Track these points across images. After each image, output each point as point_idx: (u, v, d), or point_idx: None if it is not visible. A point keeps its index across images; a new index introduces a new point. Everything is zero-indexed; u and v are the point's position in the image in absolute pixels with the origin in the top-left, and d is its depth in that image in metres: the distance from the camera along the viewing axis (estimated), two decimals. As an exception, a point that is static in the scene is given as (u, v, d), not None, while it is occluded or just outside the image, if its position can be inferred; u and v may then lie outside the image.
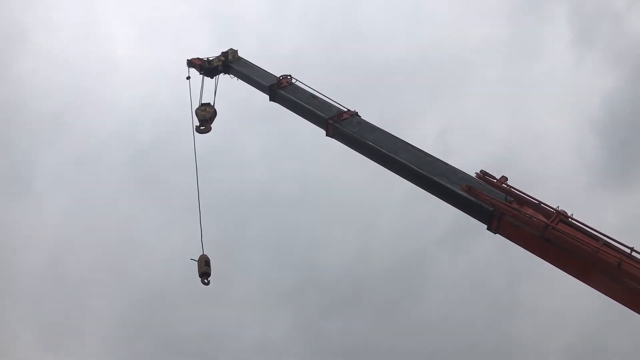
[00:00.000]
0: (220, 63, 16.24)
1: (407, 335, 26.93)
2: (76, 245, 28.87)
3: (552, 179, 26.28)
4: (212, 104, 16.12)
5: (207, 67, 16.30)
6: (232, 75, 16.26)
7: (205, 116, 15.90)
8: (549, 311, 25.02)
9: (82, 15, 32.28)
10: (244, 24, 30.98)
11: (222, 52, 16.36)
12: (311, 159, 29.05)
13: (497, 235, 10.33)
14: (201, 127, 15.97)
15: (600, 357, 24.09)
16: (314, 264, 29.34)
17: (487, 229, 10.39)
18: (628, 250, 9.26)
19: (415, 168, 11.13)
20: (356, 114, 12.92)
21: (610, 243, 9.46)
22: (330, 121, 12.74)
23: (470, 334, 26.08)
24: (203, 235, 14.57)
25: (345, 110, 13.08)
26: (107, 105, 29.95)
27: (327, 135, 12.98)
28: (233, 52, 16.34)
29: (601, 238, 9.50)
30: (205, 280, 13.68)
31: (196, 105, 16.03)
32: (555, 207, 9.98)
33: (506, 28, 32.23)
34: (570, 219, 9.86)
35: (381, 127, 12.24)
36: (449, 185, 10.66)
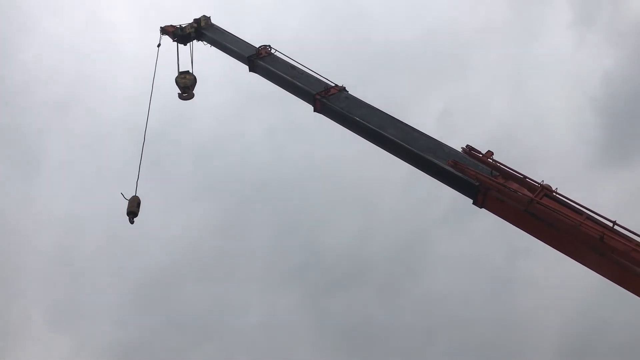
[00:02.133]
0: (193, 30, 16.12)
1: (408, 312, 27.19)
2: (84, 227, 29.19)
3: (553, 158, 26.21)
4: (190, 71, 16.06)
5: (179, 34, 16.16)
6: (205, 42, 16.14)
7: (186, 83, 15.88)
8: (547, 287, 25.10)
9: (86, 1, 32.18)
10: (247, 8, 30.82)
11: (195, 19, 16.24)
12: (313, 140, 29.10)
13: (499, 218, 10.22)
14: (184, 95, 15.99)
15: (598, 331, 24.21)
16: (318, 244, 29.53)
17: (473, 203, 10.37)
18: (610, 224, 9.25)
19: (402, 143, 11.08)
20: (344, 89, 12.78)
21: (594, 217, 9.41)
22: (318, 97, 12.60)
23: (470, 309, 26.25)
24: (139, 178, 14.65)
25: (333, 85, 12.94)
26: (112, 91, 30.04)
27: (314, 110, 12.87)
28: (206, 18, 16.22)
29: (584, 212, 9.45)
30: (132, 220, 13.93)
31: (172, 73, 16.02)
32: (539, 182, 9.93)
33: (507, 9, 32.03)
34: (554, 193, 9.78)
35: (370, 103, 12.14)
36: (435, 160, 10.63)
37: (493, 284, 26.75)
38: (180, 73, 16.01)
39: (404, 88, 29.64)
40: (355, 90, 12.83)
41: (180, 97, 16.05)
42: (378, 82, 28.46)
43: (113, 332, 27.61)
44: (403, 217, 28.74)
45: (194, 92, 16.08)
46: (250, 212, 30.41)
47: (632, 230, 9.16)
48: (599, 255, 9.25)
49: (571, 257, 9.74)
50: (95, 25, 31.58)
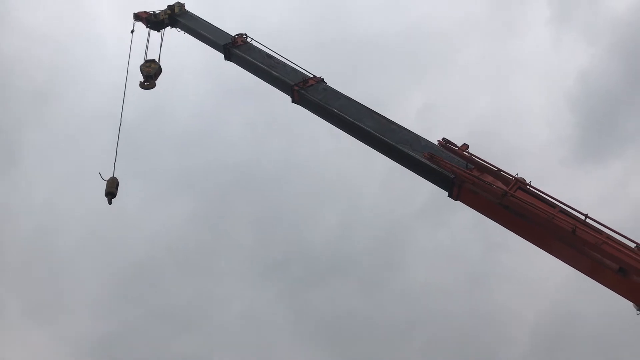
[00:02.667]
0: (167, 16, 15.97)
1: (388, 305, 27.25)
2: (64, 220, 28.91)
3: (530, 153, 26.44)
4: (157, 60, 15.88)
5: (153, 21, 16.00)
6: (179, 29, 16.00)
7: (150, 72, 15.68)
8: (522, 280, 25.39)
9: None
10: (228, 1, 30.59)
11: (169, 5, 16.10)
12: (294, 134, 29.10)
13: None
14: (145, 83, 15.77)
15: (572, 322, 24.55)
16: (299, 238, 29.53)
17: (449, 195, 10.40)
18: (582, 217, 9.32)
19: (379, 135, 11.07)
20: (322, 80, 12.74)
21: (566, 210, 9.50)
22: (296, 87, 12.54)
23: (448, 301, 26.43)
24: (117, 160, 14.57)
25: (311, 76, 12.89)
26: (91, 82, 29.65)
27: (292, 101, 12.79)
28: (180, 5, 16.11)
29: (557, 205, 9.53)
30: (110, 200, 14.03)
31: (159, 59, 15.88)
32: (514, 175, 10.00)
33: (487, 7, 32.19)
34: (528, 186, 9.85)
35: (346, 94, 12.11)
36: (411, 153, 10.64)
37: (471, 277, 27.04)
38: (146, 61, 15.81)
39: (385, 83, 29.71)
40: (336, 85, 12.77)
41: (142, 85, 15.81)
42: (359, 76, 28.51)
43: (93, 324, 27.45)
44: (383, 211, 28.88)
45: (156, 82, 15.82)
46: (231, 205, 30.34)
47: (603, 223, 9.30)
48: (570, 248, 9.32)
49: (544, 250, 9.82)
50: (73, 15, 31.20)
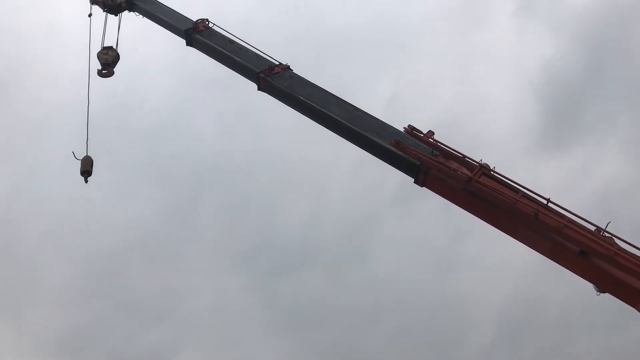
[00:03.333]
0: (124, 0, 15.63)
1: (357, 293, 27.38)
2: (28, 213, 28.30)
3: (495, 142, 26.76)
4: (115, 47, 15.55)
5: (110, 4, 15.64)
6: (137, 13, 15.70)
7: (108, 60, 15.32)
8: (488, 266, 25.78)
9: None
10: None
11: None
12: (262, 125, 28.90)
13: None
14: (103, 71, 15.41)
15: (537, 306, 25.02)
16: (268, 228, 29.45)
17: (415, 182, 10.45)
18: (545, 202, 9.45)
19: (346, 123, 11.03)
20: (288, 67, 12.59)
21: (529, 195, 9.61)
22: (262, 75, 12.37)
23: (415, 289, 26.71)
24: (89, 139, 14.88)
25: (277, 63, 12.72)
26: (53, 75, 28.91)
27: (258, 89, 12.65)
28: None
29: (520, 190, 9.63)
30: (86, 179, 14.30)
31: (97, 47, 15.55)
32: (478, 161, 10.07)
33: (453, -1, 32.32)
34: (492, 172, 9.93)
35: (313, 82, 12.01)
36: (377, 140, 10.64)
37: (437, 265, 27.31)
38: (104, 48, 15.46)
39: (352, 74, 29.67)
40: (305, 75, 12.58)
41: (100, 73, 15.46)
42: (326, 68, 28.36)
43: (59, 318, 26.99)
44: (352, 201, 28.97)
45: (114, 69, 15.49)
46: (199, 197, 30.09)
47: (564, 207, 9.43)
48: (534, 232, 9.45)
49: (509, 234, 9.94)
50: (34, 6, 30.27)
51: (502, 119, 28.69)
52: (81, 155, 14.40)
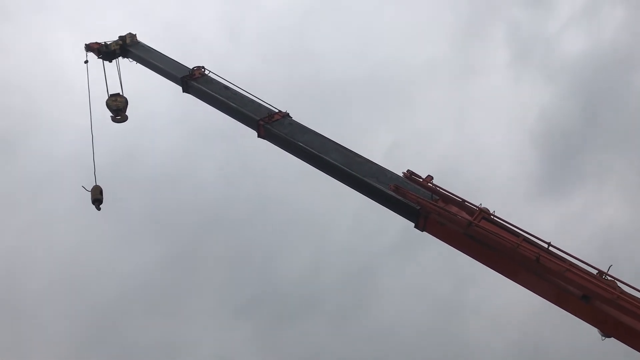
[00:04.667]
0: (118, 47, 15.87)
1: (359, 342, 26.88)
2: (31, 265, 28.09)
3: (493, 190, 26.73)
4: (121, 93, 15.75)
5: (104, 51, 15.87)
6: (131, 60, 15.93)
7: (119, 106, 15.55)
8: (491, 314, 25.36)
9: (32, 37, 31.42)
10: (199, 45, 30.78)
11: (120, 36, 16.03)
12: (265, 175, 29.02)
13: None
14: (117, 117, 15.62)
15: (541, 352, 24.46)
16: (269, 278, 29.15)
17: (415, 227, 10.38)
18: (545, 245, 9.34)
19: (345, 168, 11.04)
20: (287, 115, 12.70)
21: (530, 239, 9.52)
22: (262, 122, 12.47)
23: (417, 337, 26.21)
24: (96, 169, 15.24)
25: (277, 111, 12.86)
26: (59, 128, 29.19)
27: (258, 136, 12.72)
28: (131, 35, 16.03)
29: (521, 234, 9.55)
30: (98, 207, 14.59)
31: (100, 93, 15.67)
32: (478, 205, 10.02)
33: (450, 49, 32.93)
34: (492, 216, 9.86)
35: (312, 129, 12.10)
36: (377, 185, 10.62)
37: (440, 312, 26.90)
38: (111, 96, 15.65)
39: (353, 123, 29.96)
40: (306, 124, 12.65)
41: (114, 119, 15.69)
42: (328, 117, 28.68)
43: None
44: (354, 248, 28.74)
45: (127, 113, 15.75)
46: (201, 247, 29.86)
47: (565, 251, 9.33)
48: (535, 276, 9.33)
49: (510, 279, 9.80)
50: (41, 61, 30.80)
51: (501, 166, 28.81)
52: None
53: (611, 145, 27.99)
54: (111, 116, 15.69)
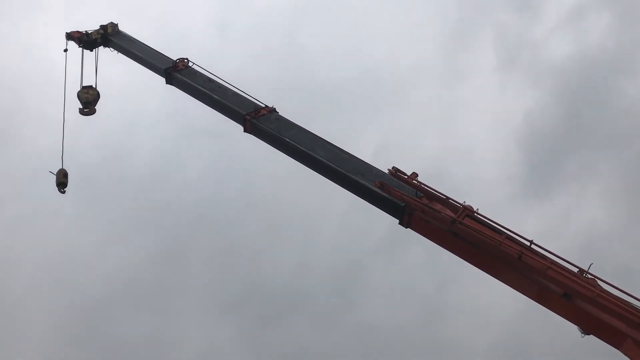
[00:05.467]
0: (99, 36, 15.70)
1: (344, 340, 26.85)
2: (16, 261, 27.80)
3: (479, 191, 26.74)
4: (94, 85, 15.56)
5: (85, 40, 15.68)
6: (112, 49, 15.76)
7: (89, 99, 15.37)
8: (475, 312, 25.42)
9: (21, 35, 31.09)
10: (188, 44, 30.60)
11: (101, 25, 15.85)
12: (254, 174, 28.95)
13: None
14: (85, 110, 15.43)
15: (524, 351, 24.54)
16: (257, 277, 29.08)
17: (399, 223, 10.36)
18: (528, 243, 9.35)
19: (331, 165, 10.98)
20: (274, 110, 12.57)
21: (513, 237, 9.52)
22: (248, 117, 12.32)
23: (403, 336, 26.20)
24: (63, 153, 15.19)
25: (263, 106, 12.72)
26: (47, 124, 28.90)
27: (244, 131, 12.58)
28: (113, 25, 15.86)
29: (504, 232, 9.55)
30: (62, 190, 14.73)
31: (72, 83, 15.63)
32: (462, 202, 10.02)
33: (438, 53, 33.04)
34: (475, 214, 9.86)
35: (299, 124, 12.01)
36: (362, 182, 10.58)
37: (424, 311, 26.94)
38: (84, 88, 15.48)
39: (341, 123, 29.91)
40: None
41: (81, 112, 15.49)
42: (316, 117, 28.59)
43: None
44: (339, 248, 28.72)
45: (95, 107, 15.56)
46: (188, 245, 29.73)
47: (547, 249, 9.34)
48: (518, 274, 9.35)
49: (493, 276, 9.81)
50: (29, 58, 30.48)
51: (485, 168, 28.88)
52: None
53: (594, 147, 28.25)
54: (79, 108, 15.47)
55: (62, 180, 14.48)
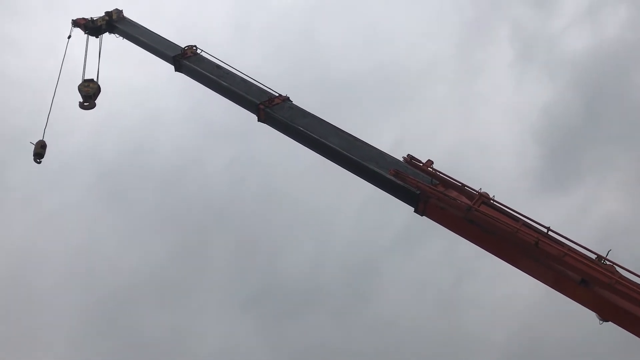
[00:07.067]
0: (105, 22, 15.59)
1: (361, 335, 26.76)
2: (41, 257, 28.12)
3: (496, 184, 26.37)
4: (95, 79, 15.28)
5: (91, 26, 15.59)
6: (117, 35, 15.64)
7: (89, 92, 15.06)
8: (492, 305, 25.14)
9: (41, 35, 31.34)
10: (207, 43, 30.70)
11: (106, 12, 15.75)
12: (272, 171, 29.00)
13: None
14: (85, 104, 15.18)
15: (539, 343, 24.28)
16: (275, 272, 29.12)
17: (415, 211, 10.18)
18: (545, 230, 9.16)
19: (345, 152, 10.83)
20: (287, 98, 12.45)
21: (530, 223, 9.34)
22: (262, 106, 12.22)
23: (419, 330, 26.03)
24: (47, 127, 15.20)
25: (277, 95, 12.61)
26: (69, 125, 29.14)
27: (258, 120, 12.46)
28: (118, 11, 15.76)
29: (521, 219, 9.37)
30: (38, 160, 14.70)
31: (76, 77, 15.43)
32: (477, 189, 9.84)
33: (454, 48, 32.78)
34: (492, 201, 9.68)
35: (312, 113, 11.87)
36: (377, 169, 10.41)
37: (441, 305, 26.73)
38: (85, 81, 15.19)
39: (358, 118, 29.77)
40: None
41: (81, 106, 15.23)
42: (333, 112, 28.46)
43: (69, 357, 26.42)
44: (356, 243, 28.62)
45: (95, 102, 15.25)
46: (209, 241, 29.83)
47: (565, 235, 9.14)
48: (535, 261, 9.15)
49: (510, 263, 9.62)
50: (52, 59, 30.74)
51: (502, 162, 28.57)
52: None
53: (612, 140, 27.81)
54: (79, 102, 15.21)
55: (39, 151, 14.40)
